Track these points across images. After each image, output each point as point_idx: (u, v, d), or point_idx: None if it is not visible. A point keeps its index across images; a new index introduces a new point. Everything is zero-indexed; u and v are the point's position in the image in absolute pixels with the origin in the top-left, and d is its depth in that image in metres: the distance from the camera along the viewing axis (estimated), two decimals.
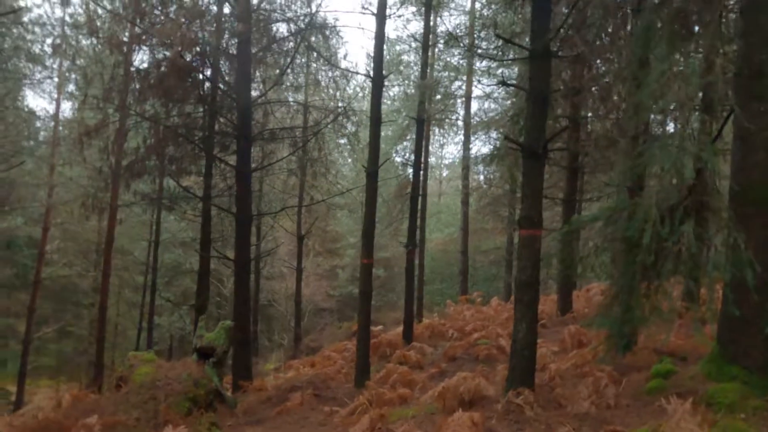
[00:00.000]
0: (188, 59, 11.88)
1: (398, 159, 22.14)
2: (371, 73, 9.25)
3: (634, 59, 6.71)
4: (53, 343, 32.97)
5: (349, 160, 23.74)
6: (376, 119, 8.86)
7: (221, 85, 12.68)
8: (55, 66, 18.67)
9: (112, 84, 11.35)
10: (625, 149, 10.01)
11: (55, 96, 21.19)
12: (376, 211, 8.94)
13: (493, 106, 21.96)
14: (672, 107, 5.13)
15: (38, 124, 22.88)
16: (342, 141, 18.45)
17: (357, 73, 15.66)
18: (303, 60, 13.98)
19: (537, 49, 6.13)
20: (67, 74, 20.31)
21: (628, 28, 9.18)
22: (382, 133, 24.01)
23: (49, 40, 18.07)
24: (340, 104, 13.50)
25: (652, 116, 8.68)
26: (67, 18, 19.01)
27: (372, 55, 9.53)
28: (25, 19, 18.16)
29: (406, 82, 22.81)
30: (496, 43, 7.36)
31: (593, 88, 12.98)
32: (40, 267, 22.12)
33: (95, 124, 11.35)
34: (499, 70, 17.96)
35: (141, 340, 21.62)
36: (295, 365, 16.18)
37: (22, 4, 19.00)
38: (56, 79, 20.63)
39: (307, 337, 21.68)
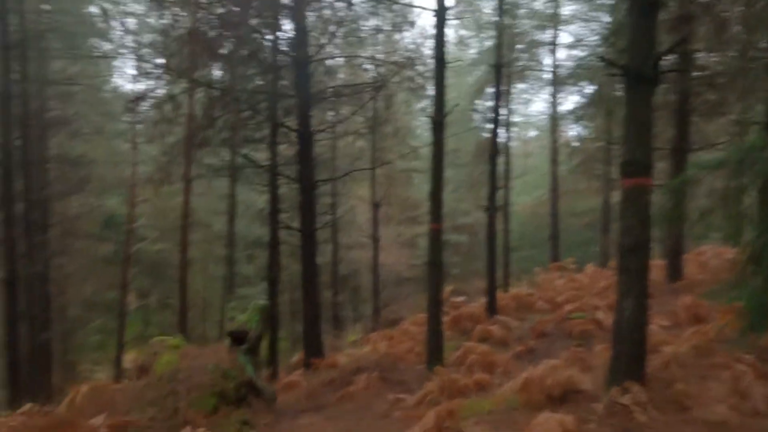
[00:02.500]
0: (244, 16, 11.03)
1: (477, 117, 20.54)
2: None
3: None
4: (156, 314, 34.78)
5: (425, 122, 22.32)
6: (440, 59, 7.55)
7: (279, 42, 11.77)
8: (127, 42, 18.60)
9: (163, 49, 10.74)
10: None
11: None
12: (443, 169, 7.71)
13: (582, 53, 19.76)
14: None
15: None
16: (420, 105, 17.24)
17: (421, 8, 14.14)
18: (367, 7, 12.71)
19: None
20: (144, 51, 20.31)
21: None
22: (462, 88, 22.23)
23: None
24: (407, 55, 12.20)
25: None
26: None
27: None
28: None
29: (483, 36, 21.03)
30: None
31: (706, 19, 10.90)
32: (129, 243, 22.81)
33: (142, 91, 10.85)
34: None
35: (225, 312, 21.74)
36: (372, 339, 15.44)
37: None
38: (133, 56, 20.66)
39: (387, 309, 20.92)
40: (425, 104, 13.98)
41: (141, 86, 13.70)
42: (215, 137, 11.86)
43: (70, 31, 15.88)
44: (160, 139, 11.60)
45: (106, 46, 18.66)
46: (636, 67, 4.71)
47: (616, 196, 19.15)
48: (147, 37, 17.24)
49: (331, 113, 13.23)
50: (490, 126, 15.18)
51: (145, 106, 10.91)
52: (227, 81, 11.55)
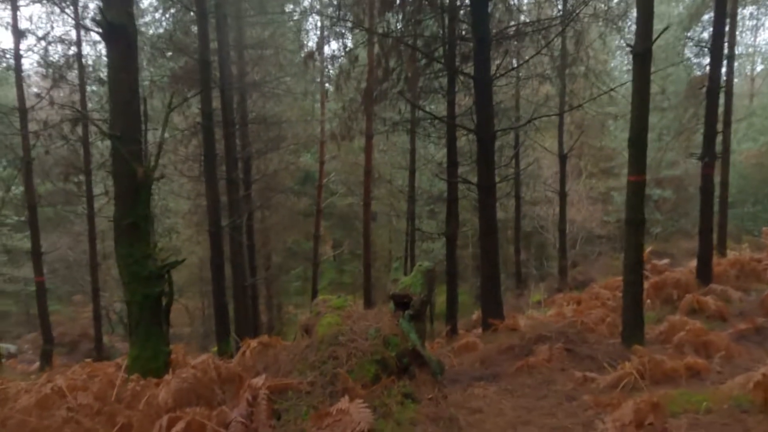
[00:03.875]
0: None
1: (690, 50, 17.44)
2: None
3: None
4: (348, 263, 37.27)
5: (624, 61, 19.72)
6: None
7: None
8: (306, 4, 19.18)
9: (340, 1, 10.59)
10: None
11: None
12: (648, 109, 6.33)
13: None
14: None
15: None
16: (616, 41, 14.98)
17: None
18: None
19: None
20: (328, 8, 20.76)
21: None
22: (668, 19, 19.21)
23: None
24: None
25: None
26: None
27: None
28: None
29: None
30: None
31: None
32: (319, 197, 24.23)
33: (315, 46, 10.85)
34: None
35: (408, 268, 22.13)
36: (558, 301, 14.36)
37: None
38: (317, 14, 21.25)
39: (575, 269, 19.38)
40: (624, 37, 12.09)
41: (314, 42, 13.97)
42: (392, 90, 11.57)
43: None
44: (340, 94, 11.65)
45: (295, 9, 19.49)
46: None
47: None
48: None
49: (513, 56, 12.07)
50: (706, 60, 12.75)
51: (321, 61, 10.92)
52: (402, 28, 11.09)
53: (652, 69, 6.52)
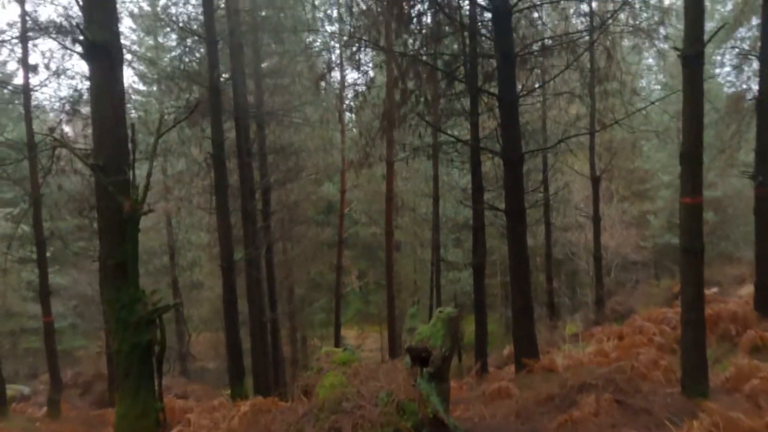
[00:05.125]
0: None
1: (726, 64, 16.44)
2: None
3: None
4: (373, 294, 36.31)
5: (659, 76, 18.72)
6: None
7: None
8: (327, 30, 18.83)
9: (354, 20, 10.05)
10: None
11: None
12: (702, 119, 5.48)
13: None
14: None
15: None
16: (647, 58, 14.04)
17: None
18: None
19: None
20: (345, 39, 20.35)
21: None
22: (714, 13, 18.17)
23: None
24: None
25: None
26: None
27: None
28: None
29: None
30: None
31: None
32: (341, 227, 23.56)
33: (325, 66, 10.29)
34: None
35: (433, 301, 21.17)
36: (596, 335, 13.24)
37: None
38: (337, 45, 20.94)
39: (612, 299, 18.18)
40: (658, 47, 11.27)
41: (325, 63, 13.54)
42: (411, 113, 10.91)
43: (278, 24, 16.34)
44: (359, 119, 11.04)
45: (315, 40, 19.15)
46: None
47: None
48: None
49: (538, 73, 11.36)
50: (743, 74, 11.81)
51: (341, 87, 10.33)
52: (419, 46, 10.47)
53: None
